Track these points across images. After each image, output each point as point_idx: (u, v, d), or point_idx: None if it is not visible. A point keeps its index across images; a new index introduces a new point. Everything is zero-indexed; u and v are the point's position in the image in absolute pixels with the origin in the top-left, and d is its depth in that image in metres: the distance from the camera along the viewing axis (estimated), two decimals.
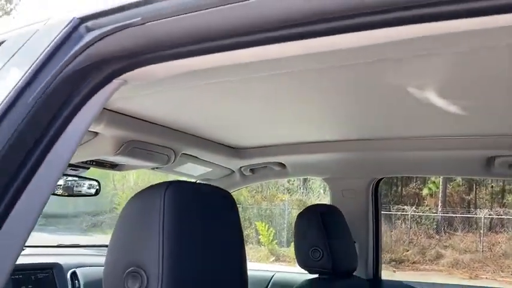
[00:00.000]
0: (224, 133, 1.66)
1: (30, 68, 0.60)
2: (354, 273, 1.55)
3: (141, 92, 1.00)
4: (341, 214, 1.52)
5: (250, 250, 11.47)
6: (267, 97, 1.23)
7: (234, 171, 1.92)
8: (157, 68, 0.65)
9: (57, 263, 1.80)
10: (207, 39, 0.57)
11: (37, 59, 0.60)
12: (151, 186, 0.75)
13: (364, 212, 1.79)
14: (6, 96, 0.57)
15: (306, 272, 1.48)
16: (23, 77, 0.59)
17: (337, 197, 1.85)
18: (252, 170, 1.91)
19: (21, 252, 0.62)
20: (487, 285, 8.30)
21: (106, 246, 2.13)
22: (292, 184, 13.82)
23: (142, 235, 0.70)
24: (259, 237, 11.71)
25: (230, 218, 0.82)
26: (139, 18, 0.59)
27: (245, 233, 12.25)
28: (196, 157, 1.74)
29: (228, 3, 0.52)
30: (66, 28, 0.63)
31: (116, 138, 1.41)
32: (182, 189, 0.76)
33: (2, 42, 0.71)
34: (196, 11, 0.55)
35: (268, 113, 1.41)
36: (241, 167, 1.89)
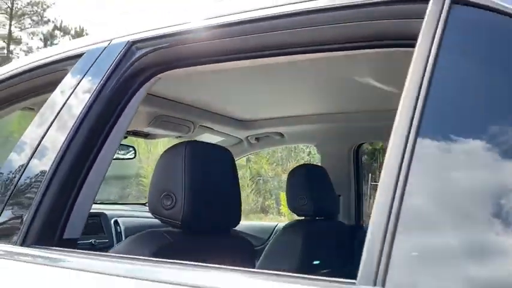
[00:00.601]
0: (233, 108, 2.06)
1: (105, 73, 1.02)
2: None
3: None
4: (325, 172, 1.92)
5: (271, 221, 11.97)
6: (269, 79, 1.62)
7: (242, 140, 2.31)
8: (179, 70, 1.07)
9: (103, 212, 2.27)
10: (209, 56, 0.99)
11: (109, 67, 1.02)
12: (177, 144, 1.18)
13: (346, 170, 2.20)
14: (94, 91, 1.00)
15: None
16: (102, 79, 1.01)
17: (325, 159, 2.25)
18: (256, 139, 2.31)
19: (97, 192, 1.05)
20: None
21: (137, 204, 2.65)
22: (313, 157, 14.18)
23: (172, 173, 1.12)
24: (280, 207, 12.19)
25: (229, 166, 1.24)
26: (168, 44, 1.00)
27: (266, 203, 12.74)
28: (211, 128, 2.15)
29: (218, 39, 0.93)
30: (124, 48, 1.05)
31: (148, 113, 1.85)
32: (197, 145, 1.19)
33: (83, 53, 1.13)
34: (198, 42, 0.96)
35: (269, 92, 1.81)
36: (247, 136, 2.28)
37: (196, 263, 0.70)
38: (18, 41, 20.54)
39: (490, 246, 0.48)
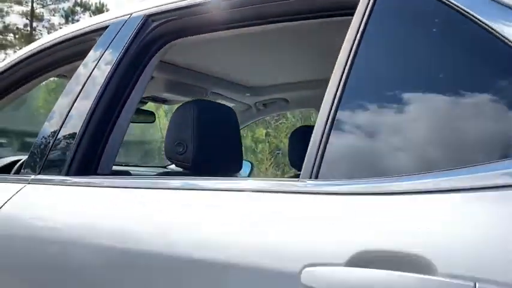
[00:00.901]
0: (242, 75, 2.26)
1: (126, 43, 1.25)
2: None
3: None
4: None
5: None
6: (274, 47, 1.82)
7: (251, 106, 2.52)
8: (188, 38, 1.29)
9: (128, 171, 2.53)
10: (211, 25, 1.20)
11: (129, 37, 1.25)
12: (187, 102, 1.41)
13: None
14: (117, 57, 1.23)
15: None
16: (123, 48, 1.24)
17: None
18: (264, 105, 2.51)
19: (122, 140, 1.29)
20: None
21: (158, 166, 2.92)
22: None
23: (183, 126, 1.36)
24: None
25: (231, 120, 1.47)
26: (177, 16, 1.22)
27: (284, 177, 13.06)
28: (222, 95, 2.37)
29: (220, 10, 1.15)
30: (141, 21, 1.27)
31: (165, 81, 2.08)
32: (204, 103, 1.42)
33: (108, 25, 1.35)
34: (201, 14, 1.18)
35: (274, 59, 2.00)
36: (256, 102, 2.49)
37: (205, 176, 0.94)
38: (40, 18, 20.93)
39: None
